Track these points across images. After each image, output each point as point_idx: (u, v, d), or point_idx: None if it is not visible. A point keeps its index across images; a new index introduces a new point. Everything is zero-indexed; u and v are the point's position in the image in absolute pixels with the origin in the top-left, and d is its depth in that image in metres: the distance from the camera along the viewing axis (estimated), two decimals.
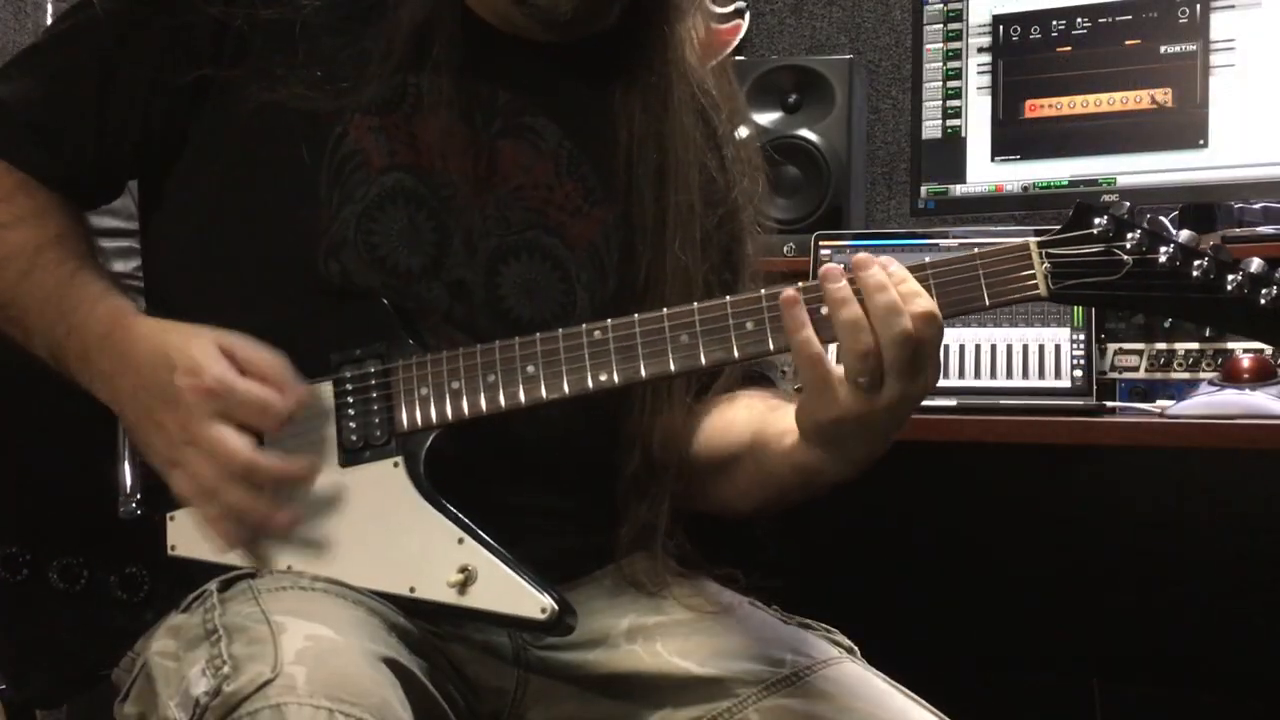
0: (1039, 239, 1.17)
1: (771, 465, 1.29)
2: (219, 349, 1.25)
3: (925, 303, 1.14)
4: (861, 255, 1.16)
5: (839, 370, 1.16)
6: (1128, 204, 1.15)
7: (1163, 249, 1.13)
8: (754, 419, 1.34)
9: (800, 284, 1.18)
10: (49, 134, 1.35)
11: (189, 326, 1.28)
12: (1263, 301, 1.11)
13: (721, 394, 1.40)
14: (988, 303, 1.17)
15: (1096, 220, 1.15)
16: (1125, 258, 1.14)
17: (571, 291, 1.36)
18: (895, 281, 1.15)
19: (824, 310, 1.16)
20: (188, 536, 1.31)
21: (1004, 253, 1.17)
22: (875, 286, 1.14)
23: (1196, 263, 1.12)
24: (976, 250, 1.18)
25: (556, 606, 1.22)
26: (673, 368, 1.22)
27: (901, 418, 1.17)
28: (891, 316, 1.13)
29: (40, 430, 1.38)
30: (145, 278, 1.45)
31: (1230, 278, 1.12)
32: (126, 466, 1.34)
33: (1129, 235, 1.14)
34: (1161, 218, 1.16)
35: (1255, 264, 1.12)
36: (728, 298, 1.21)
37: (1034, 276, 1.16)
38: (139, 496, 1.33)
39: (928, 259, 1.18)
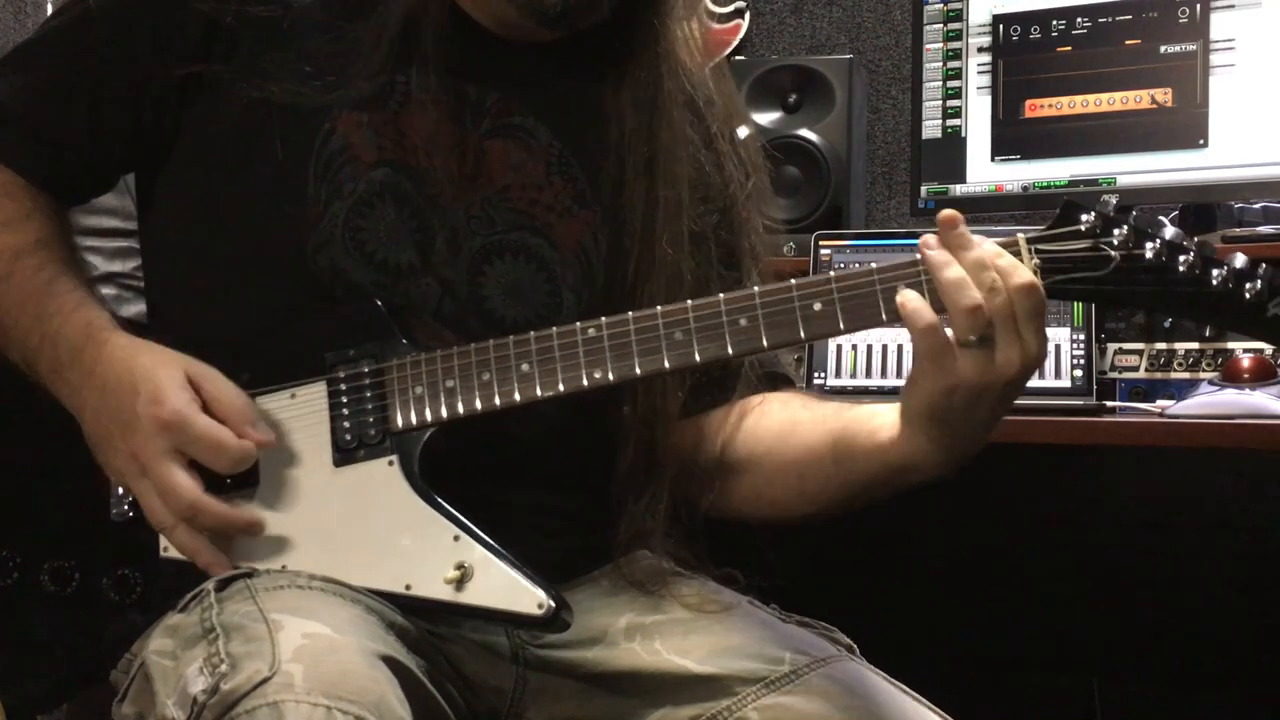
0: (1028, 235, 1.18)
1: (859, 465, 1.27)
2: (186, 378, 1.25)
3: (1024, 274, 1.14)
4: (948, 212, 1.17)
5: (952, 336, 1.16)
6: (1114, 200, 1.16)
7: (1149, 245, 1.15)
8: (827, 420, 1.33)
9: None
10: (41, 132, 1.35)
11: (161, 351, 1.28)
12: (1247, 296, 1.13)
13: (750, 395, 1.40)
14: None
15: (1084, 217, 1.16)
16: (1112, 253, 1.15)
17: (557, 293, 1.36)
18: (991, 256, 1.15)
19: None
20: None
21: None
22: (965, 244, 1.16)
23: (1182, 258, 1.14)
24: None
25: (552, 603, 1.22)
26: (667, 365, 1.22)
27: (1011, 395, 1.17)
28: (986, 274, 1.14)
29: (31, 432, 1.38)
30: (145, 275, 1.45)
31: (1215, 272, 1.13)
32: None
33: (1116, 231, 1.15)
34: (1161, 217, 1.17)
35: (1240, 259, 1.14)
36: (721, 295, 1.22)
37: None
38: (131, 499, 1.33)
39: (918, 255, 1.18)
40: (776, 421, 1.37)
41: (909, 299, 1.16)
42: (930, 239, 1.18)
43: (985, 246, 1.16)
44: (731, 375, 1.39)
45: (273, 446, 1.27)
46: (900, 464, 1.23)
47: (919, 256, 1.18)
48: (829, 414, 1.33)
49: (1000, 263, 1.15)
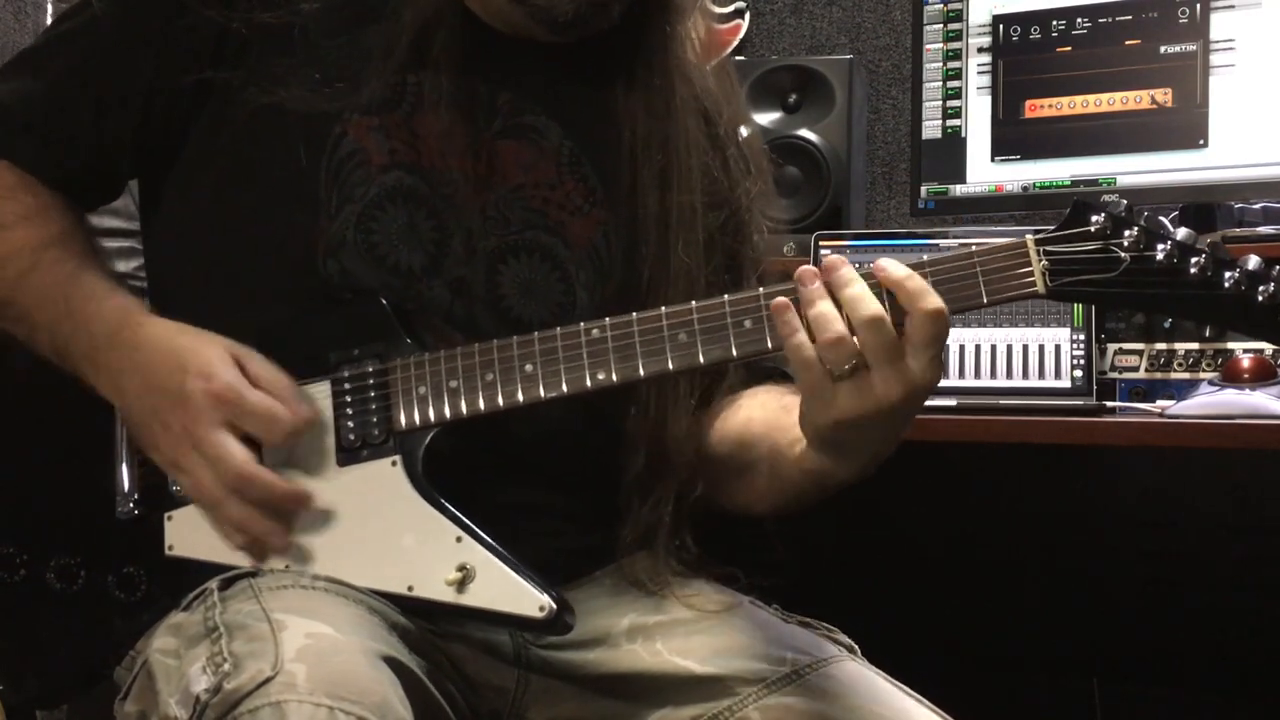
0: (1037, 236, 1.16)
1: (785, 471, 1.28)
2: (231, 357, 1.25)
3: (934, 300, 1.13)
4: (832, 258, 1.16)
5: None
6: (1125, 202, 1.15)
7: (1160, 246, 1.13)
8: (769, 421, 1.33)
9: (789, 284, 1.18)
10: (48, 135, 1.35)
11: (201, 331, 1.28)
12: (1260, 299, 1.11)
13: (734, 392, 1.40)
14: (985, 300, 1.16)
15: (1094, 218, 1.15)
16: (1123, 255, 1.14)
17: (571, 291, 1.36)
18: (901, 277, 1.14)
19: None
20: (186, 536, 1.31)
21: (1002, 250, 1.16)
22: (842, 283, 1.14)
23: (1194, 260, 1.12)
24: (975, 248, 1.17)
25: (554, 605, 1.22)
26: (671, 366, 1.22)
27: (901, 418, 1.16)
28: (859, 304, 1.12)
29: (37, 430, 1.38)
30: (148, 277, 1.45)
31: (1228, 275, 1.12)
32: (124, 467, 1.34)
33: (1126, 233, 1.14)
34: (1161, 217, 1.16)
35: (1253, 261, 1.12)
36: (725, 296, 1.21)
37: (1031, 274, 1.15)
38: (136, 497, 1.33)
39: (925, 258, 1.18)
40: (739, 420, 1.37)
41: (794, 331, 1.15)
42: (806, 273, 1.16)
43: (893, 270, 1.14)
44: (721, 374, 1.39)
45: (316, 423, 1.27)
46: (815, 473, 1.23)
47: (921, 258, 1.17)
48: (771, 416, 1.33)
49: (909, 286, 1.13)
